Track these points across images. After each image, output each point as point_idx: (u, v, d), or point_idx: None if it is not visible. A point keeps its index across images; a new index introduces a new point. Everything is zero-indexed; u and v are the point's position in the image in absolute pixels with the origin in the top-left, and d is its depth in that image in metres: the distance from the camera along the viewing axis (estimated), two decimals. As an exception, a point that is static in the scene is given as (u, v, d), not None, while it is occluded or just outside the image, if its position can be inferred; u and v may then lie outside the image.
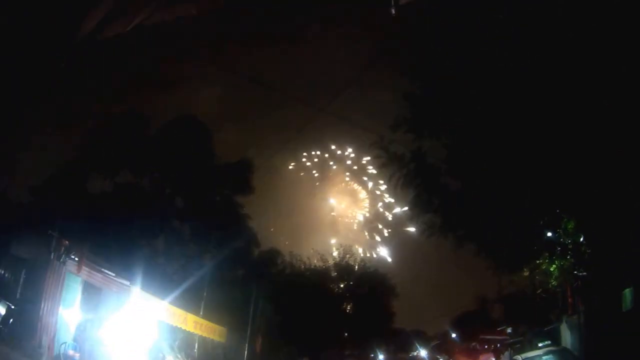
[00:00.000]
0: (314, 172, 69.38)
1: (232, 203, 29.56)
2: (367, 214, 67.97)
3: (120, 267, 17.70)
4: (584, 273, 14.95)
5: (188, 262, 27.28)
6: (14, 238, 13.89)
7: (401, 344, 49.18)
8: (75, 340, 14.61)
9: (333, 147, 68.60)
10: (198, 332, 23.59)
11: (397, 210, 63.45)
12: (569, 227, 13.82)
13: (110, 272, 16.95)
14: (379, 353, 46.01)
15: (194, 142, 27.12)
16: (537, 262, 15.19)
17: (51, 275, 13.53)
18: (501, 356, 25.29)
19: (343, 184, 69.70)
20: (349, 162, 68.93)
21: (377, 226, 65.85)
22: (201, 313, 24.30)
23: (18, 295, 13.33)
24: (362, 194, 69.13)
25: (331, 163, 69.63)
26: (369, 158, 62.31)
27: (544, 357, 14.90)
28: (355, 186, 69.38)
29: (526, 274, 17.10)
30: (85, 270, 15.23)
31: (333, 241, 58.95)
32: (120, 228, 22.25)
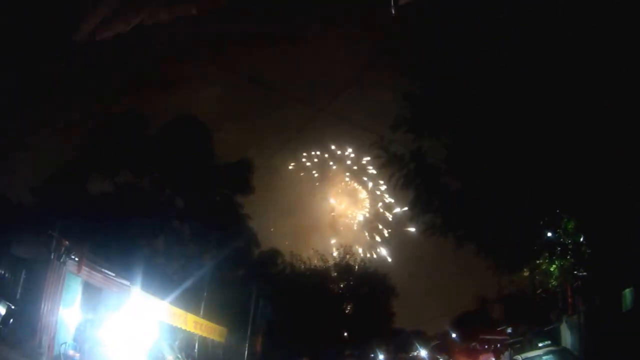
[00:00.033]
0: (314, 172, 69.39)
1: (232, 203, 29.57)
2: (367, 214, 67.98)
3: (120, 267, 17.70)
4: (584, 273, 14.96)
5: (188, 262, 27.29)
6: (14, 238, 13.89)
7: (401, 344, 49.19)
8: (75, 340, 14.61)
9: (333, 147, 68.60)
10: (198, 332, 23.57)
11: (397, 210, 63.46)
12: (569, 227, 13.82)
13: (110, 272, 16.94)
14: (379, 353, 46.03)
15: (194, 142, 27.13)
16: (537, 262, 15.19)
17: (51, 276, 13.53)
18: (501, 356, 25.29)
19: (343, 184, 69.68)
20: (349, 162, 68.92)
21: (377, 226, 65.86)
22: (201, 313, 24.28)
23: (18, 295, 13.33)
24: (362, 194, 69.13)
25: (331, 163, 69.63)
26: (369, 158, 62.35)
27: (544, 357, 14.90)
28: (355, 186, 69.38)
29: (526, 274, 17.10)
30: (85, 270, 15.23)
31: (333, 241, 58.98)
32: (120, 228, 22.26)
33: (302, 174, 68.92)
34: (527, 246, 14.47)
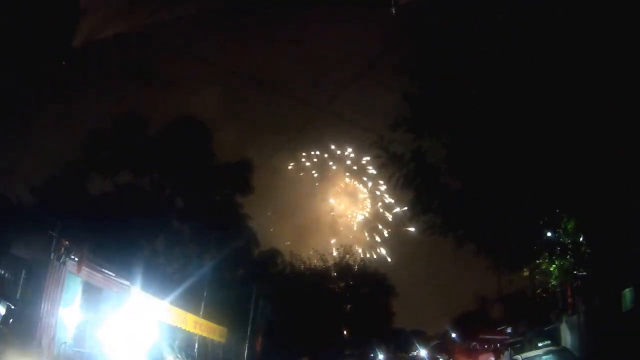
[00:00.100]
0: (314, 172, 69.46)
1: (232, 203, 29.59)
2: (367, 214, 68.02)
3: (120, 267, 17.69)
4: (584, 273, 14.95)
5: (188, 262, 27.32)
6: (14, 238, 13.86)
7: (401, 344, 49.21)
8: (75, 340, 14.61)
9: (333, 147, 68.70)
10: (198, 332, 23.58)
11: (397, 210, 63.50)
12: (569, 227, 13.81)
13: (110, 273, 16.94)
14: (379, 353, 46.05)
15: (194, 142, 27.15)
16: (537, 262, 15.18)
17: (51, 276, 13.52)
18: (501, 356, 25.30)
19: (343, 185, 69.74)
20: (349, 162, 69.05)
21: (377, 226, 65.94)
22: (201, 313, 24.29)
23: (18, 296, 13.30)
24: (362, 195, 69.16)
25: (331, 163, 69.72)
26: (369, 158, 62.52)
27: (544, 357, 14.92)
28: (356, 186, 69.39)
29: (526, 274, 17.09)
30: (85, 270, 15.23)
31: (333, 241, 59.10)
32: (120, 228, 22.27)
33: (302, 174, 69.07)
34: (527, 246, 14.46)
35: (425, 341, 47.07)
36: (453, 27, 12.10)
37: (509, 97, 11.87)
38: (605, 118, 11.00)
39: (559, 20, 10.71)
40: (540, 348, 15.85)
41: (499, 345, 28.39)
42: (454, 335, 40.23)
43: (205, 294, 25.10)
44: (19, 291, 13.37)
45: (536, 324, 22.15)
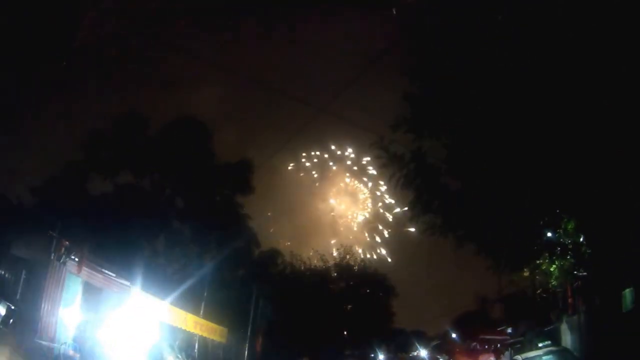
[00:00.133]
0: (314, 172, 69.35)
1: (232, 203, 29.59)
2: (367, 215, 67.97)
3: (120, 267, 17.70)
4: (584, 273, 14.96)
5: (188, 262, 27.31)
6: (14, 238, 13.87)
7: (401, 344, 49.19)
8: (75, 340, 14.61)
9: (333, 147, 68.53)
10: (198, 332, 23.59)
11: (397, 210, 63.44)
12: (569, 227, 13.80)
13: (110, 273, 16.95)
14: (379, 353, 46.03)
15: (194, 142, 27.15)
16: (537, 262, 15.18)
17: (51, 276, 13.53)
18: (501, 356, 25.27)
19: (343, 185, 69.66)
20: (349, 162, 68.85)
21: (377, 226, 65.84)
22: (201, 313, 24.29)
23: (18, 296, 13.31)
24: (362, 195, 69.12)
25: (331, 163, 69.56)
26: (369, 158, 62.42)
27: (544, 357, 14.90)
28: (356, 186, 69.36)
29: (526, 274, 17.09)
30: (85, 270, 15.23)
31: (333, 241, 58.99)
32: (120, 228, 22.28)
33: (302, 174, 68.92)
34: (527, 246, 14.45)
35: (425, 341, 47.02)
36: (453, 27, 12.10)
37: (509, 97, 11.87)
38: (605, 118, 11.00)
39: (558, 20, 10.72)
40: (540, 348, 15.83)
41: (499, 345, 28.34)
42: (454, 335, 40.20)
43: (205, 294, 25.11)
44: (19, 291, 13.38)
45: (536, 324, 22.15)
